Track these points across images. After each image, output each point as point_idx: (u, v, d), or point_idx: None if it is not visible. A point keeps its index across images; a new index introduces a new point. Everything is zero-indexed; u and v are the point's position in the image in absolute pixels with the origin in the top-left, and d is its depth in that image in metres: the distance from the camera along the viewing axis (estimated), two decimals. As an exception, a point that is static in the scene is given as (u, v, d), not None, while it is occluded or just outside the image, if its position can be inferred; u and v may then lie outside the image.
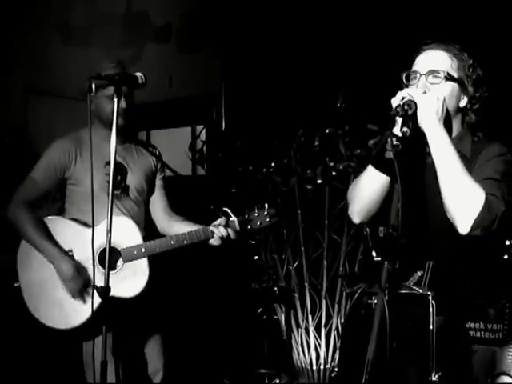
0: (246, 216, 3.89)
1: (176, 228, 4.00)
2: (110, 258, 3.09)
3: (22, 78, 6.11)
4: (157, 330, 4.10)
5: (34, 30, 6.26)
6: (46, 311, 3.84)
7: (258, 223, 3.90)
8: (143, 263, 3.82)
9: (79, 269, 3.80)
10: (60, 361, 4.91)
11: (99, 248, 3.75)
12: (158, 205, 4.11)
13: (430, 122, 2.61)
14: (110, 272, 3.31)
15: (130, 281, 3.77)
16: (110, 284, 3.13)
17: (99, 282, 3.28)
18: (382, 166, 2.69)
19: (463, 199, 2.58)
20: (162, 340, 4.10)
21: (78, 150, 3.89)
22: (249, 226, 3.90)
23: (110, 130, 3.29)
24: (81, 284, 3.78)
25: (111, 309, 3.19)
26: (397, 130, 2.52)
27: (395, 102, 2.61)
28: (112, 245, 3.53)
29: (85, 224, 3.85)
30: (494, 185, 2.66)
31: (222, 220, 3.85)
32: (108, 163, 3.80)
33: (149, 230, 4.05)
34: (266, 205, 3.92)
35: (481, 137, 2.84)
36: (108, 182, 3.66)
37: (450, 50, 2.80)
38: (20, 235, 3.90)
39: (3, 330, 4.90)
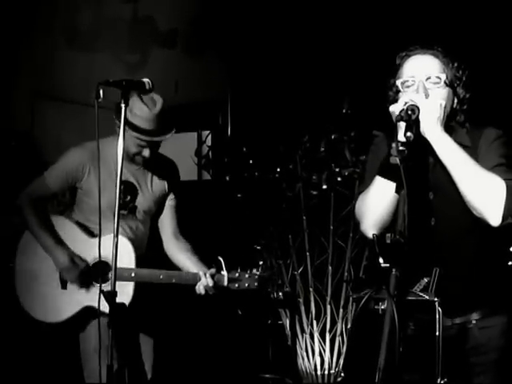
0: (237, 275, 3.90)
1: (180, 257, 4.05)
2: (102, 271, 3.14)
3: (29, 82, 6.13)
4: (150, 333, 4.14)
5: (41, 34, 6.28)
6: (32, 300, 3.92)
7: (246, 285, 3.91)
8: (130, 284, 3.85)
9: (74, 258, 3.86)
10: (54, 359, 4.95)
11: (94, 260, 3.84)
12: (167, 225, 4.14)
13: (434, 132, 2.64)
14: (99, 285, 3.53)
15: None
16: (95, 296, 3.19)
17: (91, 293, 3.54)
18: (389, 174, 2.68)
19: (487, 193, 2.62)
20: (154, 343, 4.13)
21: (93, 162, 3.88)
22: (236, 285, 3.91)
23: (129, 159, 3.78)
24: (77, 272, 3.84)
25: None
26: (401, 136, 2.53)
27: (396, 108, 2.62)
28: (106, 260, 3.63)
29: (89, 233, 3.91)
30: (506, 170, 2.70)
31: (211, 271, 3.87)
32: (121, 182, 3.85)
33: (150, 248, 4.12)
34: (260, 268, 3.96)
35: (469, 127, 2.86)
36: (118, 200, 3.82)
37: (437, 54, 2.82)
38: (24, 227, 3.98)
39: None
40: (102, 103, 3.16)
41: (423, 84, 2.75)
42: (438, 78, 2.77)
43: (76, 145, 4.02)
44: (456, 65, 2.84)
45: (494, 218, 2.63)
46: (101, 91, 3.19)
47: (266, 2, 6.61)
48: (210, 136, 6.76)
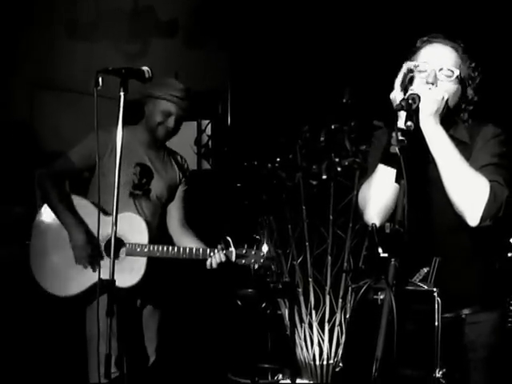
0: (244, 251, 4.09)
1: (184, 241, 4.18)
2: (115, 247, 3.22)
3: (28, 72, 6.10)
4: (154, 315, 4.24)
5: (40, 24, 6.25)
6: (46, 275, 4.04)
7: (252, 261, 4.10)
8: (142, 262, 3.99)
9: (90, 239, 3.97)
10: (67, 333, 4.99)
11: (107, 237, 3.89)
12: (174, 214, 4.26)
13: (428, 123, 2.60)
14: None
15: (125, 273, 3.92)
16: (107, 270, 3.26)
17: (103, 267, 3.55)
18: (391, 162, 2.66)
19: (469, 193, 2.59)
20: (159, 327, 4.24)
21: (114, 145, 3.92)
22: (243, 261, 4.10)
23: (151, 137, 4.06)
24: (88, 253, 3.96)
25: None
26: (401, 125, 2.51)
27: (396, 95, 2.61)
28: (120, 236, 3.85)
29: (104, 212, 3.91)
30: (494, 170, 2.67)
31: (220, 247, 4.03)
32: (137, 164, 4.08)
33: (165, 232, 4.23)
34: (266, 246, 4.14)
35: (470, 123, 2.84)
36: (133, 181, 4.06)
37: (457, 49, 2.79)
38: (43, 200, 4.07)
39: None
40: (101, 92, 3.15)
41: (435, 73, 2.72)
42: (451, 71, 2.73)
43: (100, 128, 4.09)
44: (473, 65, 2.81)
45: (472, 219, 2.60)
46: (100, 79, 3.19)
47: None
48: (209, 125, 6.76)
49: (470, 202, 2.59)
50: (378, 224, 2.72)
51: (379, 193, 2.73)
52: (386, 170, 2.69)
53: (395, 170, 2.63)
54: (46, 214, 4.08)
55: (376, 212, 2.75)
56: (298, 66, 6.24)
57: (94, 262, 3.97)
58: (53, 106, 6.17)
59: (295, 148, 5.78)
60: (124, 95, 3.21)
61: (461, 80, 2.77)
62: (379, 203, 2.74)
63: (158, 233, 4.16)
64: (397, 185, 2.59)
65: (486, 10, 5.63)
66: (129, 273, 3.94)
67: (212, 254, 4.01)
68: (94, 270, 3.96)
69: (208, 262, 4.02)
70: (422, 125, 2.60)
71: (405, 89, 2.62)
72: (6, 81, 5.96)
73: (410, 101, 2.53)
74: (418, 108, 2.55)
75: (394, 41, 5.57)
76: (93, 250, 3.96)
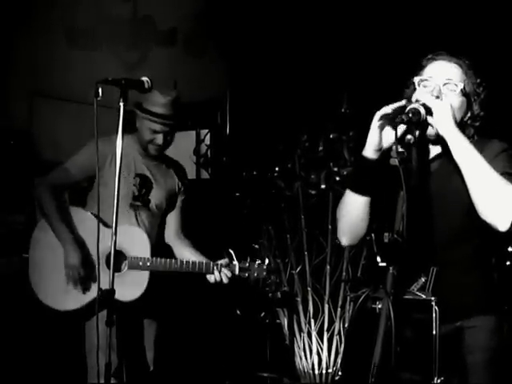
0: (247, 264, 4.08)
1: (180, 251, 4.17)
2: (117, 261, 3.17)
3: (27, 81, 6.11)
4: (152, 325, 4.20)
5: (40, 32, 6.27)
6: (46, 288, 3.96)
7: (256, 274, 4.09)
8: (144, 275, 3.95)
9: (86, 261, 3.91)
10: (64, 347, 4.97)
11: (108, 250, 3.71)
12: (171, 224, 4.24)
13: (449, 127, 2.60)
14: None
15: (127, 287, 3.85)
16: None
17: (102, 280, 3.42)
18: (359, 189, 2.72)
19: (498, 197, 2.58)
20: (157, 336, 4.20)
21: (113, 155, 3.89)
22: (246, 274, 4.08)
23: (143, 149, 3.97)
24: (81, 275, 3.89)
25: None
26: (400, 136, 2.52)
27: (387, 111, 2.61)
28: (121, 249, 3.80)
29: (105, 224, 3.86)
30: (510, 179, 2.65)
31: (224, 261, 4.02)
32: (137, 175, 4.04)
33: (159, 240, 4.20)
34: (267, 260, 4.17)
35: (476, 138, 2.84)
36: (133, 192, 4.01)
37: (462, 65, 2.79)
38: (41, 213, 4.00)
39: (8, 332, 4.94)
40: (101, 102, 3.16)
41: (439, 88, 2.73)
42: (455, 85, 2.73)
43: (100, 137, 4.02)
44: (478, 81, 2.81)
45: (503, 224, 2.58)
46: (100, 90, 3.20)
47: (266, 1, 6.63)
48: (208, 135, 6.77)
49: (500, 206, 2.57)
50: (345, 243, 2.84)
51: (347, 214, 2.81)
52: (354, 196, 2.77)
53: (361, 196, 2.72)
54: (46, 227, 3.99)
55: (345, 231, 2.84)
56: (297, 76, 6.25)
57: (85, 284, 3.92)
58: (52, 115, 6.18)
59: (294, 157, 5.79)
60: (124, 106, 3.21)
61: (466, 94, 2.76)
62: (347, 224, 2.82)
63: (156, 243, 4.13)
64: (364, 208, 2.72)
65: (488, 24, 5.64)
66: (131, 287, 3.89)
67: (216, 268, 3.98)
68: (84, 292, 3.91)
69: (211, 278, 4.01)
70: (442, 132, 2.60)
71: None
72: (4, 90, 5.97)
73: (410, 114, 2.54)
74: (418, 121, 2.55)
75: (392, 51, 5.60)
76: (86, 272, 3.90)
